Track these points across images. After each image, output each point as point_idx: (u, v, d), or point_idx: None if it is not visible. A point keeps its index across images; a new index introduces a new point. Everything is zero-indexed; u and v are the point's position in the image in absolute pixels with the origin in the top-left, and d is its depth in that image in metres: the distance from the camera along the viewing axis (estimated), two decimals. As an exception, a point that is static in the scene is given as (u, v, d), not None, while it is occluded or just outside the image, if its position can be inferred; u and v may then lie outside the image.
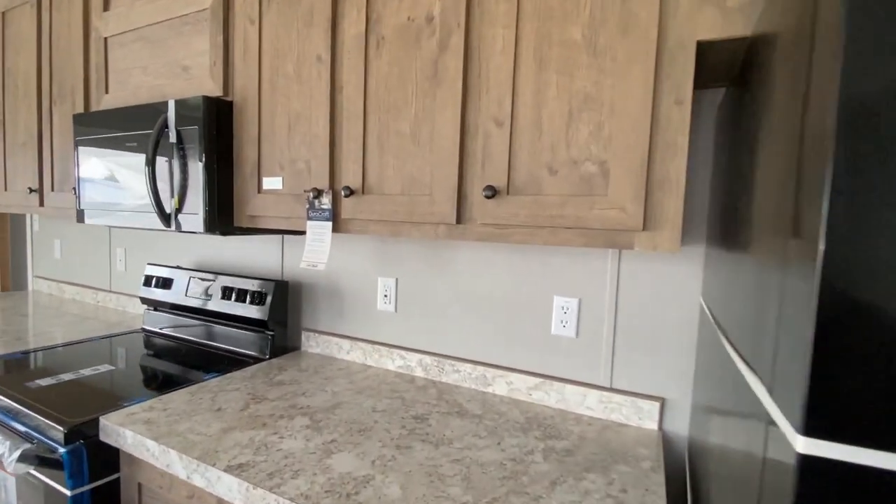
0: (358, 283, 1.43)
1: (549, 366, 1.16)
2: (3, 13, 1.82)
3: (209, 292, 1.55)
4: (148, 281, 1.70)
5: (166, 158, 1.23)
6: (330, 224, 1.07)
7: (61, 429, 0.94)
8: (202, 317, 1.58)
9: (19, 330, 1.64)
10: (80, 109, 1.57)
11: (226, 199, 1.23)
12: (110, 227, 1.38)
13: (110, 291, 2.09)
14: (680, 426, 1.02)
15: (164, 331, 1.66)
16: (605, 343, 1.09)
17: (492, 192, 0.85)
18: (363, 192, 1.03)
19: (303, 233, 1.51)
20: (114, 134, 1.35)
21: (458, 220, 0.92)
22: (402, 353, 1.35)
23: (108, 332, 1.65)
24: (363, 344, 1.41)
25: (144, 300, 1.71)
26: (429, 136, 0.94)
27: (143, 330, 1.70)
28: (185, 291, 1.60)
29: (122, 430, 0.93)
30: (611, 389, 1.08)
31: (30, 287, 2.47)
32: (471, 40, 0.89)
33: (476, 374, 1.24)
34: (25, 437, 1.02)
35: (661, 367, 1.04)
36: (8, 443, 0.96)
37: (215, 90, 1.23)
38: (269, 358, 1.43)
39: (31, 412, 1.00)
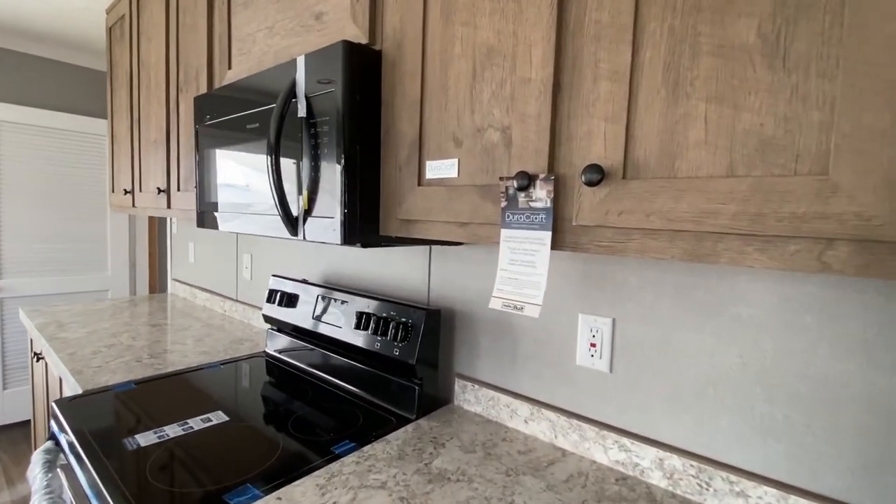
0: (543, 318, 0.96)
1: None
2: (138, 0, 1.70)
3: (341, 317, 1.20)
4: (271, 296, 1.43)
5: (293, 140, 0.88)
6: (548, 235, 0.60)
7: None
8: (332, 347, 1.24)
9: (142, 346, 1.47)
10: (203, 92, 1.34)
11: (371, 197, 0.84)
12: (232, 232, 1.09)
13: (236, 301, 1.91)
14: None
15: (289, 359, 1.37)
16: None
17: None
18: (625, 176, 0.54)
19: (461, 243, 1.09)
20: (232, 116, 1.05)
21: (917, 235, 0.39)
22: (624, 440, 0.84)
23: (230, 356, 1.40)
24: (551, 413, 0.93)
25: (267, 318, 1.44)
26: (813, 46, 0.42)
27: (266, 355, 1.43)
28: (313, 313, 1.28)
29: (219, 574, 0.57)
30: None
31: (168, 290, 2.46)
32: None
33: (790, 511, 0.68)
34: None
35: None
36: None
37: (359, 36, 0.85)
38: (416, 418, 1.02)
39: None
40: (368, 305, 1.14)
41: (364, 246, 0.85)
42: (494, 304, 0.65)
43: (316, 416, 1.02)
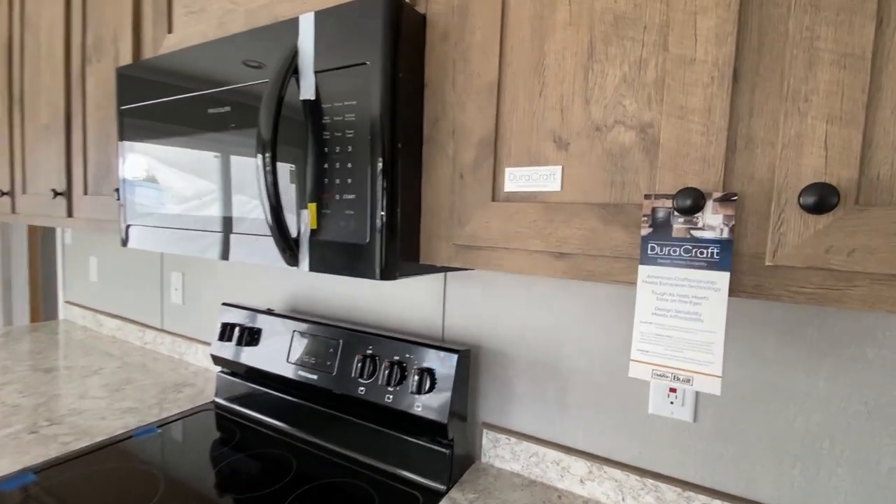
0: (600, 355, 0.80)
1: None
2: (20, -62, 1.28)
3: (330, 359, 0.95)
4: (224, 332, 1.11)
5: (291, 132, 0.63)
6: (724, 277, 0.44)
7: None
8: (319, 398, 0.98)
9: (34, 405, 1.08)
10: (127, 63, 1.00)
11: (413, 214, 0.62)
12: (176, 254, 0.80)
13: (162, 330, 1.53)
14: None
15: (254, 413, 1.07)
16: None
17: None
18: (858, 201, 0.39)
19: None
20: (183, 96, 0.76)
21: None
22: (716, 502, 0.71)
23: (168, 412, 1.07)
24: (616, 471, 0.78)
25: (218, 360, 1.13)
26: None
27: (216, 406, 1.12)
28: (288, 354, 1.01)
29: None
30: None
31: (60, 316, 1.95)
32: None
33: (939, 586, 0.58)
34: None
35: None
36: None
37: (393, -8, 0.63)
38: (448, 490, 0.81)
39: None
40: (372, 345, 0.90)
41: (395, 278, 0.63)
42: (638, 372, 0.47)
43: (316, 501, 0.76)
